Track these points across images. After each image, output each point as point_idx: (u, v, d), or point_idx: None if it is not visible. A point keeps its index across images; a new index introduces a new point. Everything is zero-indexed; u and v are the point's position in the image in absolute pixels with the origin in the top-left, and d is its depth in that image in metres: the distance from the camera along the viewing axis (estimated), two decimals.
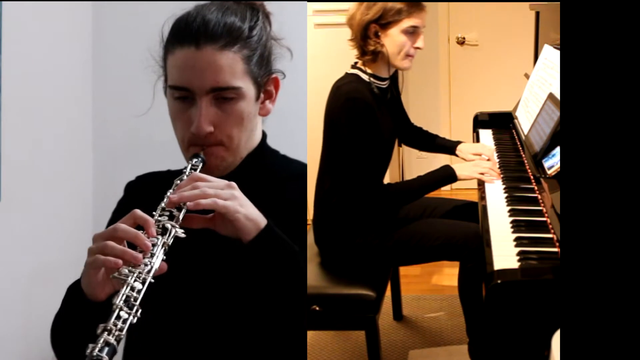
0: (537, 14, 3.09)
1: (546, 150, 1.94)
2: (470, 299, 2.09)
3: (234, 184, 1.15)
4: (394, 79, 2.26)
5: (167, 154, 2.57)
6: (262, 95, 1.28)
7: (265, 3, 1.31)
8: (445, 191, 4.51)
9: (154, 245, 1.10)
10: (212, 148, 1.24)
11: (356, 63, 2.15)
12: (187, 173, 1.21)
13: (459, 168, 2.12)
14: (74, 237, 2.67)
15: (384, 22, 2.02)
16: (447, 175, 2.11)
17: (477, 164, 2.18)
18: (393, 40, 2.04)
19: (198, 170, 1.22)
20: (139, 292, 1.06)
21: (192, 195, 1.12)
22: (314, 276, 2.09)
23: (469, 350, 2.16)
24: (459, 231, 2.06)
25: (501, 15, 4.29)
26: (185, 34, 1.21)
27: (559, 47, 2.37)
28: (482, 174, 2.11)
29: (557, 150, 1.86)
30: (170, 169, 1.38)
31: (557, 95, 2.08)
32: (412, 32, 2.04)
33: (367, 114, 2.00)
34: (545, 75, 2.38)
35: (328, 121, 2.09)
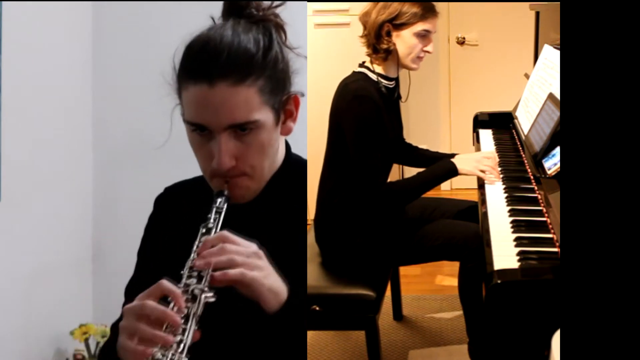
0: (537, 14, 3.09)
1: (546, 150, 1.94)
2: (470, 299, 2.09)
3: (260, 252, 1.12)
4: (397, 84, 2.26)
5: (167, 154, 2.58)
6: (282, 116, 1.25)
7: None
8: (445, 191, 4.51)
9: (185, 316, 1.08)
10: (236, 179, 1.21)
11: (364, 62, 2.16)
12: (212, 218, 1.18)
13: (460, 162, 2.12)
14: (74, 237, 2.67)
15: (398, 22, 2.05)
16: (448, 170, 2.11)
17: (480, 160, 2.16)
18: (404, 41, 2.07)
19: (223, 212, 1.18)
20: None
21: (220, 262, 1.10)
22: (314, 276, 2.09)
23: (469, 350, 2.16)
24: (459, 231, 2.06)
25: (501, 15, 4.30)
26: (196, 69, 1.16)
27: (559, 47, 2.37)
28: (483, 172, 2.11)
29: (557, 150, 1.86)
30: (198, 176, 1.37)
31: (557, 95, 2.08)
32: (424, 36, 2.08)
33: (373, 112, 2.02)
34: (545, 75, 2.38)
35: (334, 119, 2.10)
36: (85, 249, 2.70)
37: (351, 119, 2.03)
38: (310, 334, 2.58)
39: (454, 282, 2.16)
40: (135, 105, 2.62)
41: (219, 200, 1.19)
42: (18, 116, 2.40)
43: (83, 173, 2.69)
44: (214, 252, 1.11)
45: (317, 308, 1.99)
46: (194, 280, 1.11)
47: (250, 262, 1.10)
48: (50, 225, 2.55)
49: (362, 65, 2.16)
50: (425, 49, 2.10)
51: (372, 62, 2.14)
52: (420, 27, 2.06)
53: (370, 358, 2.05)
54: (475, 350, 2.14)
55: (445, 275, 3.20)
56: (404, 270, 2.89)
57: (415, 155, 2.45)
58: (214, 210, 1.19)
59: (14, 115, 2.38)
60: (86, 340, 2.51)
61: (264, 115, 1.19)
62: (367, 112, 2.01)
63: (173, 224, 1.30)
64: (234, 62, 1.15)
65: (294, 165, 1.33)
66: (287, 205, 1.28)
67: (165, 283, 1.09)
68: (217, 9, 1.24)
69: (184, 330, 1.08)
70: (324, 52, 3.70)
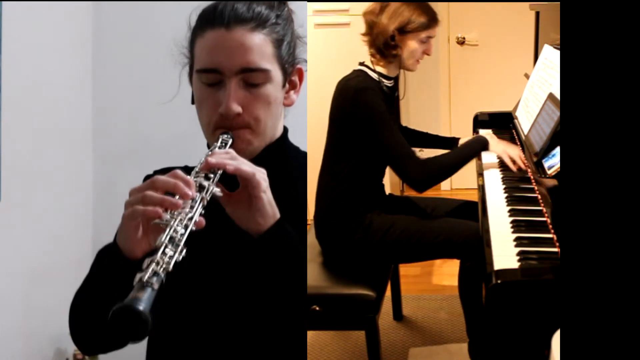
0: (537, 14, 3.09)
1: (546, 150, 1.94)
2: (470, 299, 2.09)
3: (264, 170, 1.14)
4: (397, 81, 2.30)
5: (167, 154, 2.57)
6: (287, 84, 1.29)
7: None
8: (445, 191, 4.51)
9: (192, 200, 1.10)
10: (239, 131, 1.23)
11: (363, 61, 2.19)
12: (217, 146, 1.20)
13: (492, 142, 2.23)
14: (74, 237, 2.67)
15: (406, 30, 2.12)
16: (480, 144, 2.23)
17: (509, 145, 2.26)
18: (408, 47, 2.15)
19: (228, 144, 1.21)
20: (182, 235, 1.05)
21: (232, 162, 1.12)
22: (314, 276, 2.09)
23: (469, 350, 2.16)
24: (459, 229, 2.06)
25: (501, 15, 4.30)
26: (215, 17, 1.22)
27: (559, 47, 2.37)
28: (511, 159, 2.18)
29: (557, 150, 1.86)
30: (187, 165, 1.38)
31: (557, 95, 2.08)
32: (426, 42, 2.17)
33: (381, 101, 2.07)
34: (545, 75, 2.38)
35: (336, 116, 2.13)
36: (85, 249, 2.70)
37: (364, 110, 2.07)
38: (310, 334, 2.58)
39: (454, 282, 2.16)
40: (135, 105, 2.63)
41: (224, 135, 1.22)
42: (18, 116, 2.40)
43: (83, 173, 2.69)
44: (224, 155, 1.13)
45: (317, 308, 1.99)
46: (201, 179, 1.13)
47: (258, 174, 1.12)
48: (50, 225, 2.55)
49: (362, 64, 2.19)
50: (425, 52, 2.19)
51: (372, 62, 2.17)
52: (425, 34, 2.14)
53: (370, 358, 2.05)
54: (475, 350, 2.14)
55: (445, 275, 3.20)
56: (404, 270, 2.89)
57: (417, 136, 2.54)
58: (220, 140, 1.21)
59: (14, 115, 2.38)
60: None
61: (274, 69, 1.24)
62: (376, 100, 2.07)
63: None
64: (251, 14, 1.22)
65: (291, 145, 1.35)
66: (281, 177, 1.28)
67: (179, 172, 1.10)
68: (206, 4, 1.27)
69: (191, 207, 1.08)
70: (324, 52, 3.70)
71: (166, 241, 1.03)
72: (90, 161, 2.70)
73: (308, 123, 2.35)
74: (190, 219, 1.07)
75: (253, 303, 1.19)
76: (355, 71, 2.18)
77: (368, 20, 2.17)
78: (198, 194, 1.10)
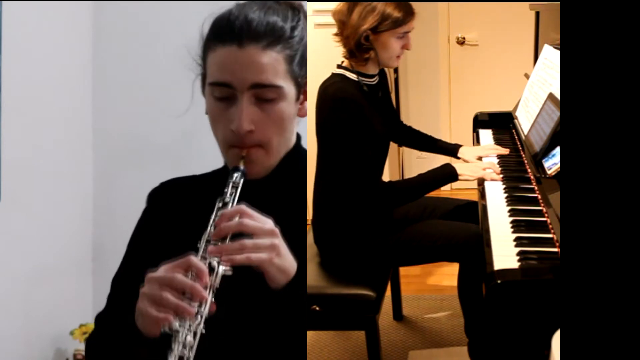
0: (537, 14, 3.10)
1: (546, 150, 1.94)
2: (470, 299, 2.09)
3: (276, 230, 1.13)
4: (383, 75, 2.25)
5: (167, 154, 2.57)
6: (301, 96, 1.27)
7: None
8: (445, 191, 4.51)
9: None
10: (252, 152, 1.22)
11: (342, 62, 2.13)
12: (228, 192, 1.19)
13: (460, 167, 2.12)
14: (74, 237, 2.67)
15: (379, 29, 2.00)
16: (448, 174, 2.10)
17: (478, 164, 2.20)
18: (384, 45, 2.03)
19: (239, 187, 1.19)
20: (191, 347, 1.08)
21: (230, 248, 1.11)
22: (314, 276, 2.09)
23: (469, 350, 2.16)
24: (458, 232, 2.06)
25: (501, 15, 4.29)
26: (227, 32, 1.20)
27: (559, 47, 2.37)
28: (484, 172, 2.12)
29: (557, 150, 1.87)
30: (195, 174, 1.37)
31: (557, 95, 2.08)
32: (403, 37, 2.05)
33: (355, 112, 1.98)
34: (545, 75, 2.38)
35: (319, 123, 2.07)
36: (85, 249, 2.70)
37: (334, 121, 2.00)
38: (310, 334, 2.58)
39: (454, 282, 2.16)
40: (136, 105, 2.63)
41: (235, 175, 1.20)
42: (18, 116, 2.40)
43: (83, 173, 2.69)
44: (232, 226, 1.12)
45: (317, 308, 1.99)
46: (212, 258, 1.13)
47: (261, 243, 1.11)
48: (50, 225, 2.55)
49: (340, 66, 2.12)
50: (404, 47, 2.07)
51: (350, 63, 2.10)
52: (401, 30, 2.02)
53: (370, 358, 2.05)
54: (475, 350, 2.14)
55: (445, 275, 3.20)
56: (404, 270, 2.89)
57: (418, 139, 2.49)
58: (230, 185, 1.20)
59: (14, 115, 2.38)
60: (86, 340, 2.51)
61: (288, 86, 1.22)
62: (348, 113, 1.98)
63: (167, 219, 1.31)
64: (264, 29, 1.19)
65: (304, 153, 1.35)
66: (296, 188, 1.30)
67: (194, 259, 1.10)
68: (217, 9, 1.25)
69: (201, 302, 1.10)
70: (324, 52, 3.69)
71: (177, 353, 1.06)
72: (90, 161, 2.70)
73: (308, 123, 2.35)
74: (200, 323, 1.09)
75: (253, 303, 1.19)
76: (333, 75, 2.10)
77: (336, 19, 2.07)
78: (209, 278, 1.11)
